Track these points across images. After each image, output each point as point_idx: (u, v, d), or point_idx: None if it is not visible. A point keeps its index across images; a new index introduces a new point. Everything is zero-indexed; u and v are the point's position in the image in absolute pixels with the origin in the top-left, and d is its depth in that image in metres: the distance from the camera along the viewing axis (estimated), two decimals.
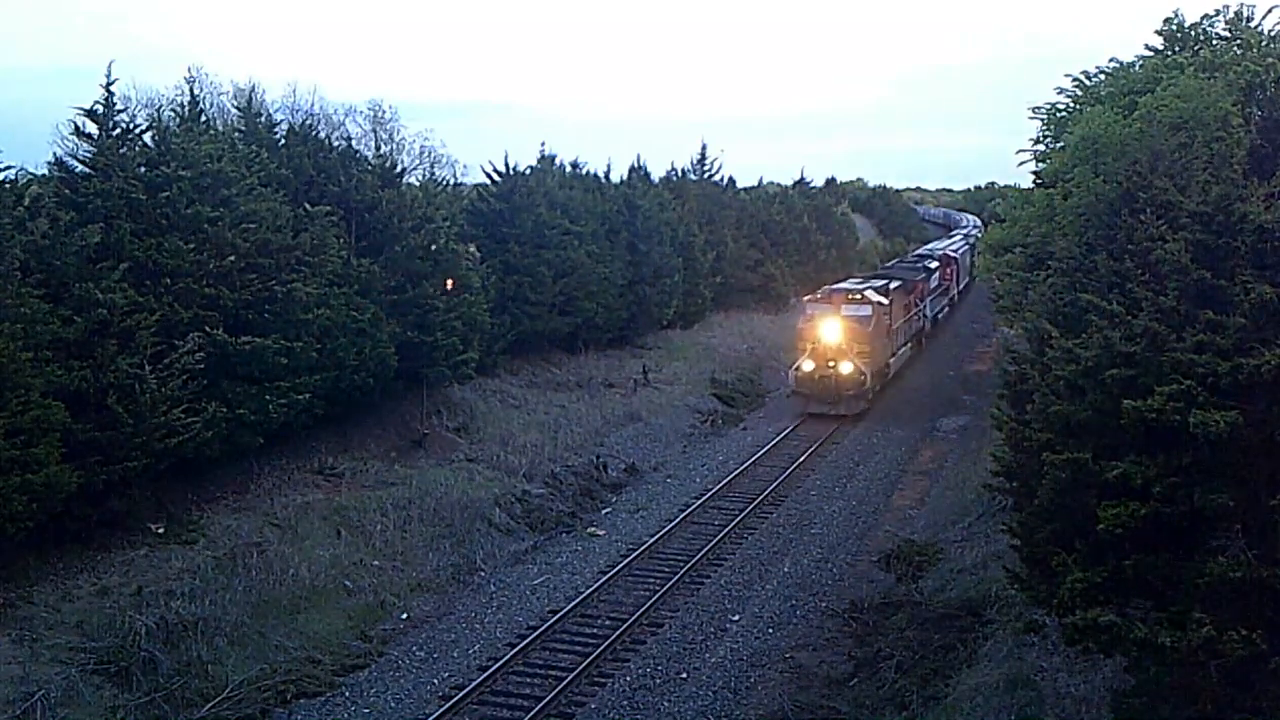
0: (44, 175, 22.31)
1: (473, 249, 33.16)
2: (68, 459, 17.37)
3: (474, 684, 16.48)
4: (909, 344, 42.71)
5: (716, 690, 16.62)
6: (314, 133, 29.11)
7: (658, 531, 23.71)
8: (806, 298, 37.89)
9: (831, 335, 34.18)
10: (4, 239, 17.88)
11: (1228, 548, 10.37)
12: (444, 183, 37.80)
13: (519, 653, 17.64)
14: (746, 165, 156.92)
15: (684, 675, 17.11)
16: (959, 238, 72.77)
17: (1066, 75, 31.45)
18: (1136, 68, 27.59)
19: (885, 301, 36.39)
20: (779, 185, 72.17)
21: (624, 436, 31.74)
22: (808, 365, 34.47)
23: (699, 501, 25.95)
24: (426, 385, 28.88)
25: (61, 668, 15.45)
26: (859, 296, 35.28)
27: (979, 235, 69.05)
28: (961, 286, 61.96)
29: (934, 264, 52.26)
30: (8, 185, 19.45)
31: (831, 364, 34.19)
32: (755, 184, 69.59)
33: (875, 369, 35.16)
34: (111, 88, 21.72)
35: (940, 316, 52.78)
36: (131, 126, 22.53)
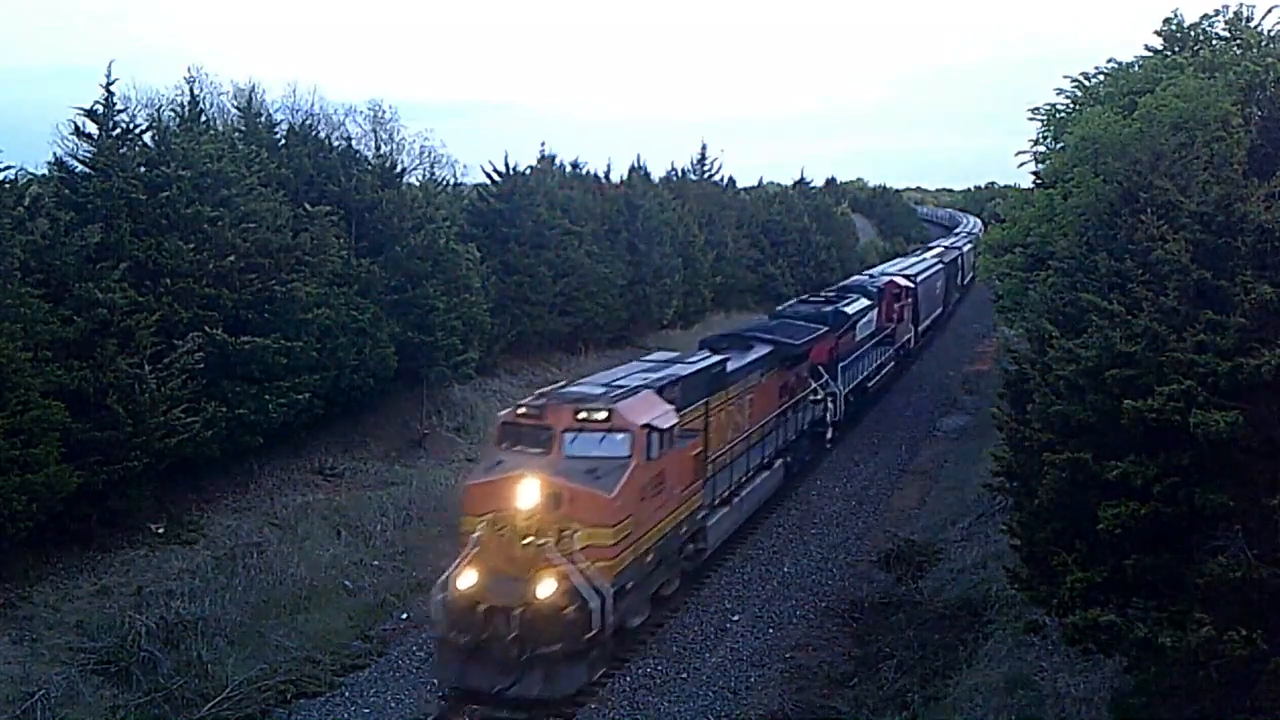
0: (44, 175, 22.33)
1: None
2: (68, 459, 17.37)
3: None
4: (776, 462, 24.70)
5: (716, 690, 16.61)
6: (314, 133, 29.14)
7: None
8: (502, 414, 17.62)
9: (528, 505, 15.53)
10: (4, 239, 17.89)
11: (1228, 548, 10.35)
12: (444, 183, 37.80)
13: None
14: (746, 165, 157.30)
15: (684, 675, 17.10)
16: (932, 254, 56.36)
17: (1066, 76, 31.44)
18: (1136, 68, 27.57)
19: (664, 426, 17.08)
20: (779, 185, 72.22)
21: None
22: (467, 579, 15.49)
23: None
24: (426, 385, 28.88)
25: (61, 668, 15.45)
26: (601, 417, 16.37)
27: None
28: (923, 325, 44.76)
29: (862, 304, 33.71)
30: (8, 185, 19.45)
31: (516, 579, 15.40)
32: (755, 184, 69.72)
33: (632, 574, 16.58)
34: (111, 88, 21.76)
35: (873, 384, 34.63)
36: (131, 126, 22.57)
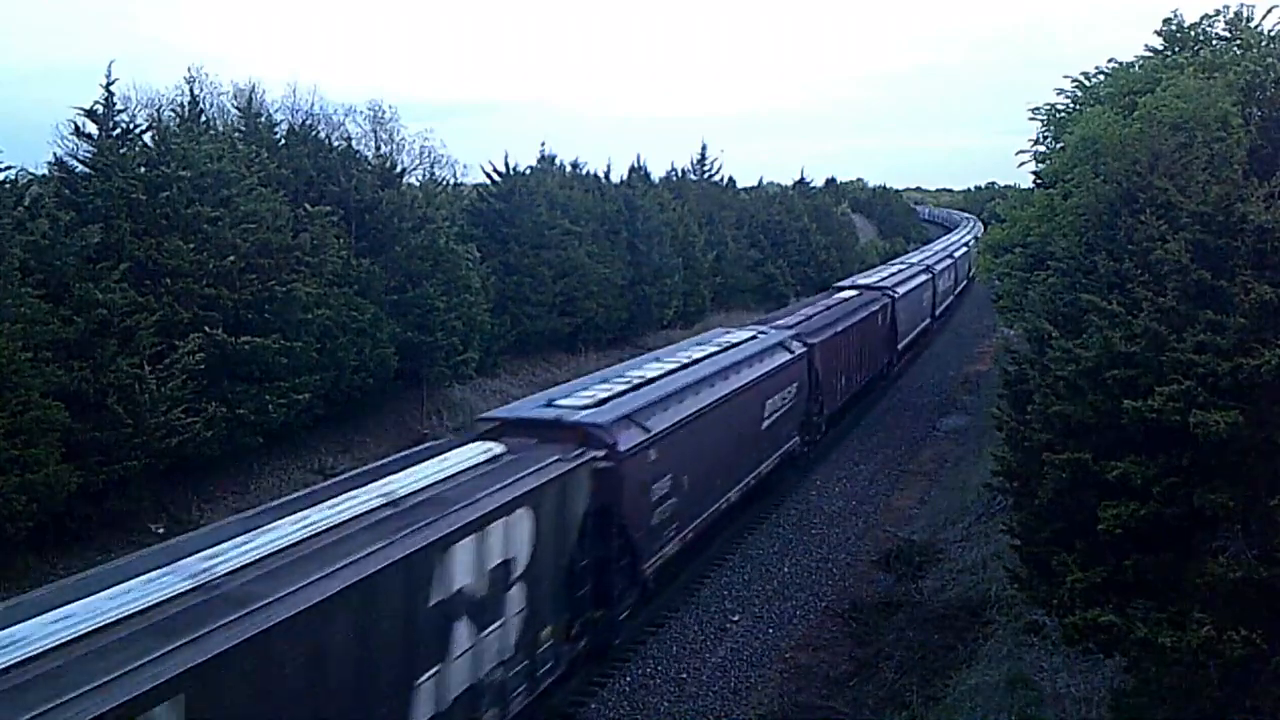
0: (44, 175, 22.34)
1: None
2: (68, 459, 17.38)
3: None
4: None
5: (716, 690, 16.60)
6: (314, 133, 29.18)
7: None
8: None
9: None
10: (4, 239, 17.89)
11: (1228, 548, 10.34)
12: (444, 183, 37.85)
13: None
14: (746, 165, 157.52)
15: (684, 675, 17.09)
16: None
17: (1066, 76, 31.44)
18: (1136, 68, 27.57)
19: None
20: (779, 185, 72.33)
21: None
22: None
23: None
24: (426, 385, 28.89)
25: None
26: None
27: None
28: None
29: None
30: (8, 185, 19.46)
31: None
32: (755, 184, 69.83)
33: None
34: (111, 88, 21.79)
35: None
36: (131, 126, 22.58)
